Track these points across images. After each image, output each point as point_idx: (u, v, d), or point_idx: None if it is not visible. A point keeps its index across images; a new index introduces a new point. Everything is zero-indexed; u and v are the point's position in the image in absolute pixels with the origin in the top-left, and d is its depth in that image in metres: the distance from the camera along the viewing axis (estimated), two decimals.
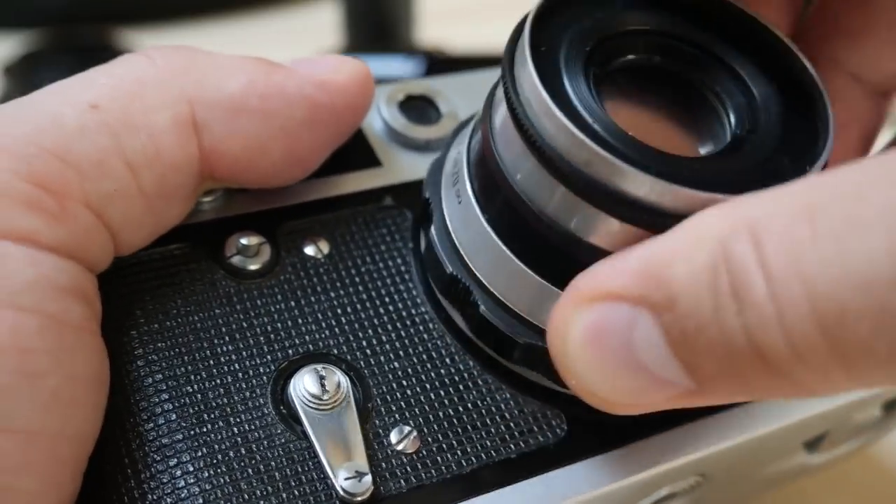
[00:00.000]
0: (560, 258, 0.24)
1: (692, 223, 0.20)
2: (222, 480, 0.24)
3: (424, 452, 0.26)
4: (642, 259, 0.21)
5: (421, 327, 0.28)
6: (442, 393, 0.27)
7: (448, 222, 0.27)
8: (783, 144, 0.24)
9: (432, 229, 0.27)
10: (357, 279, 0.28)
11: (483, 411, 0.27)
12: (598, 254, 0.23)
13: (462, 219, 0.26)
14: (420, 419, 0.26)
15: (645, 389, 0.21)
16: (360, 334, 0.27)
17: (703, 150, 0.26)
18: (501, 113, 0.25)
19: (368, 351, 0.27)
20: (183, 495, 0.24)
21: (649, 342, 0.20)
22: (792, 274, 0.18)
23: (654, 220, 0.22)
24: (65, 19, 0.61)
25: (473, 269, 0.26)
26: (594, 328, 0.21)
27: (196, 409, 0.25)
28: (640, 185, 0.22)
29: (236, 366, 0.26)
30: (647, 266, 0.20)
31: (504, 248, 0.25)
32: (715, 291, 0.19)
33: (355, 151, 0.30)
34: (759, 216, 0.19)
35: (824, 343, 0.18)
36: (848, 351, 0.18)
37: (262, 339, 0.27)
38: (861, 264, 0.18)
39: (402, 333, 0.27)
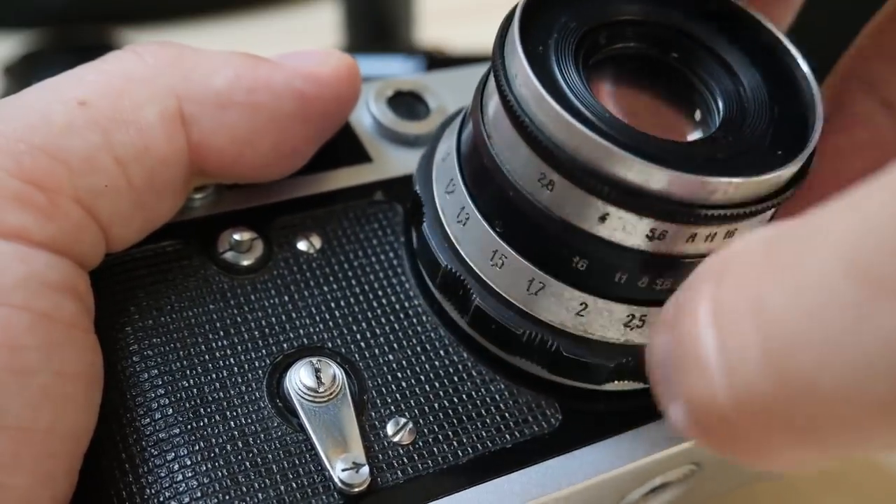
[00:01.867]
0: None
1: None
2: (220, 474, 0.24)
3: (420, 443, 0.26)
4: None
5: (414, 320, 0.28)
6: (437, 384, 0.27)
7: (441, 215, 0.27)
8: (772, 132, 0.25)
9: (424, 224, 0.27)
10: (350, 273, 0.28)
11: (478, 402, 0.27)
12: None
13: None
14: (415, 410, 0.26)
15: None
16: (354, 327, 0.27)
17: (692, 137, 0.26)
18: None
19: (363, 344, 0.27)
20: (181, 489, 0.24)
21: None
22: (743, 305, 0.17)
23: (644, 204, 0.22)
24: (65, 19, 0.62)
25: (468, 260, 0.26)
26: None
27: (192, 403, 0.25)
28: (629, 168, 0.22)
29: (231, 360, 0.26)
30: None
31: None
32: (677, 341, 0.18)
33: (345, 147, 0.31)
34: (728, 254, 0.18)
35: (769, 380, 0.16)
36: (792, 384, 0.16)
37: (256, 333, 0.27)
38: (810, 291, 0.16)
39: (396, 326, 0.28)
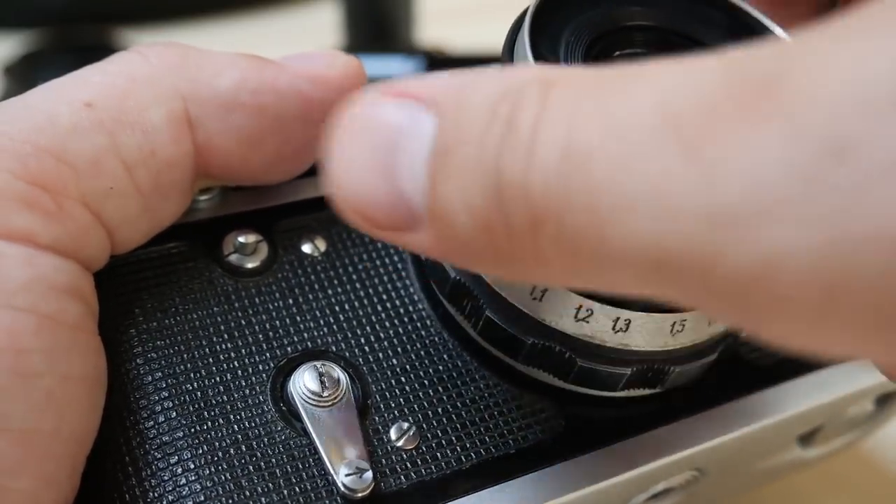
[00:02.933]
0: None
1: (517, 65, 0.20)
2: (223, 478, 0.24)
3: (424, 448, 0.26)
4: (455, 76, 0.20)
5: (418, 324, 0.28)
6: (440, 389, 0.27)
7: None
8: None
9: None
10: (354, 276, 0.28)
11: (481, 407, 0.27)
12: None
13: None
14: (419, 415, 0.26)
15: (381, 197, 0.20)
16: (358, 331, 0.27)
17: None
18: None
19: (367, 348, 0.27)
20: (184, 493, 0.24)
21: (415, 145, 0.19)
22: (560, 119, 0.17)
23: None
24: (65, 19, 0.62)
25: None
26: (370, 116, 0.20)
27: (196, 406, 0.25)
28: None
29: (235, 363, 0.26)
30: (456, 81, 0.20)
31: None
32: (492, 115, 0.18)
33: None
34: (565, 74, 0.18)
35: (560, 188, 0.17)
36: (568, 199, 0.17)
37: (260, 336, 0.27)
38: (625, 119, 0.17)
39: (400, 330, 0.28)
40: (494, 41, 0.30)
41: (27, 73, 0.52)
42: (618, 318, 0.25)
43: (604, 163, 0.16)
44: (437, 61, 0.51)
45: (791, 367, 0.30)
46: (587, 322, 0.25)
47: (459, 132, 0.19)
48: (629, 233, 0.16)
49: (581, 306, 0.25)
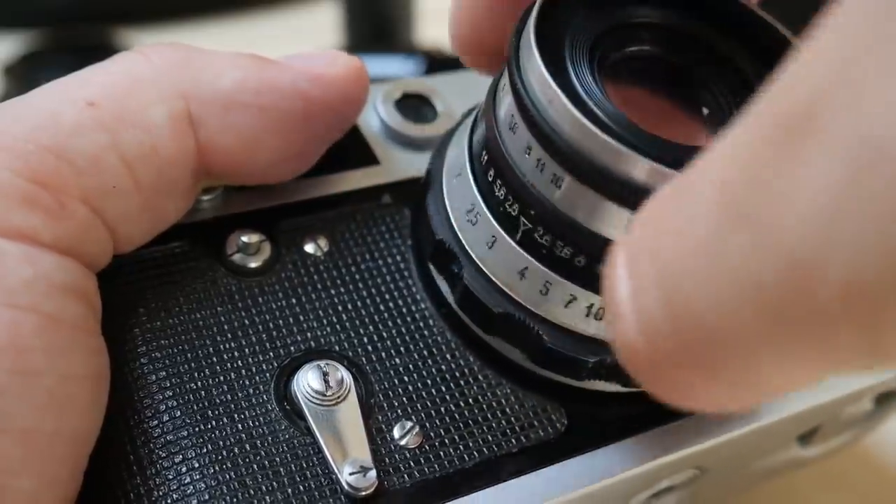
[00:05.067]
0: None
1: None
2: (228, 476, 0.24)
3: (427, 447, 0.26)
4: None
5: (421, 323, 0.28)
6: (443, 388, 0.27)
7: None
8: None
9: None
10: (357, 276, 0.28)
11: (484, 406, 0.27)
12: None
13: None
14: (422, 414, 0.26)
15: None
16: (361, 331, 0.27)
17: (705, 140, 0.26)
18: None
19: (370, 347, 0.27)
20: (188, 491, 0.24)
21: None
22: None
23: None
24: (65, 19, 0.62)
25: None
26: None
27: (200, 405, 0.25)
28: (641, 171, 0.22)
29: (239, 363, 0.26)
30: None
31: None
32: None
33: (353, 150, 0.31)
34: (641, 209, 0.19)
35: (667, 318, 0.17)
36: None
37: (264, 336, 0.27)
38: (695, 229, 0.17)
39: (403, 330, 0.28)
40: None
41: (27, 74, 0.53)
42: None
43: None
44: (437, 61, 0.51)
45: None
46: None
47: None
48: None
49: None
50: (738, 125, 0.17)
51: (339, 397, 0.26)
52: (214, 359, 0.26)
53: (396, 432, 0.26)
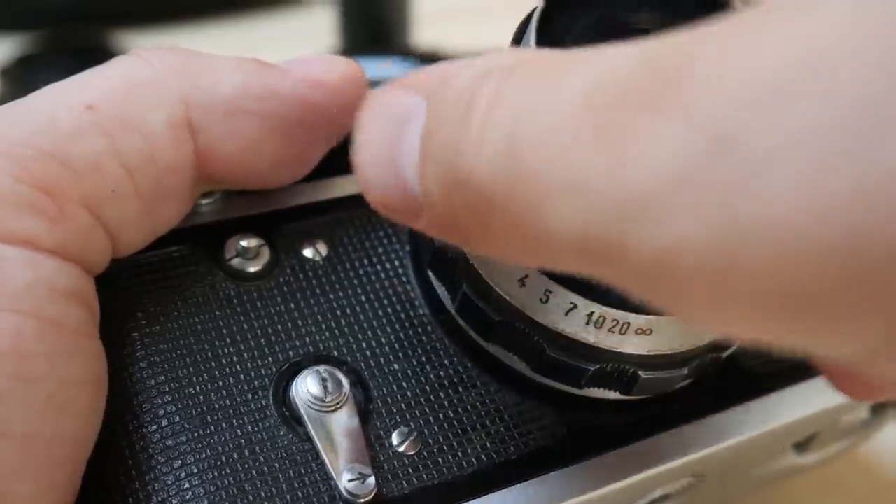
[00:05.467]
0: None
1: (497, 50, 0.20)
2: (227, 482, 0.24)
3: (426, 454, 0.26)
4: (451, 64, 0.20)
5: (420, 329, 0.28)
6: (442, 395, 0.27)
7: None
8: None
9: None
10: (356, 281, 0.28)
11: (483, 413, 0.27)
12: None
13: None
14: (420, 421, 0.26)
15: (391, 182, 0.21)
16: (360, 336, 0.27)
17: None
18: None
19: (368, 353, 0.27)
20: (187, 497, 0.24)
21: (414, 130, 0.20)
22: (508, 105, 0.18)
23: None
24: (62, 20, 0.61)
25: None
26: (383, 104, 0.21)
27: (199, 410, 0.25)
28: None
29: (238, 367, 0.26)
30: (448, 68, 0.20)
31: None
32: (459, 99, 0.19)
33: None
34: (528, 59, 0.19)
35: (507, 172, 0.18)
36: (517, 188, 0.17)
37: (262, 340, 0.27)
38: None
39: (402, 335, 0.28)
40: (490, 43, 0.30)
41: (24, 76, 0.52)
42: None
43: (537, 150, 0.17)
44: (434, 63, 0.51)
45: (787, 375, 0.30)
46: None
47: (438, 117, 0.19)
48: (559, 219, 0.17)
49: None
50: (620, 59, 0.17)
51: (337, 403, 0.26)
52: (213, 363, 0.26)
53: (395, 439, 0.26)
